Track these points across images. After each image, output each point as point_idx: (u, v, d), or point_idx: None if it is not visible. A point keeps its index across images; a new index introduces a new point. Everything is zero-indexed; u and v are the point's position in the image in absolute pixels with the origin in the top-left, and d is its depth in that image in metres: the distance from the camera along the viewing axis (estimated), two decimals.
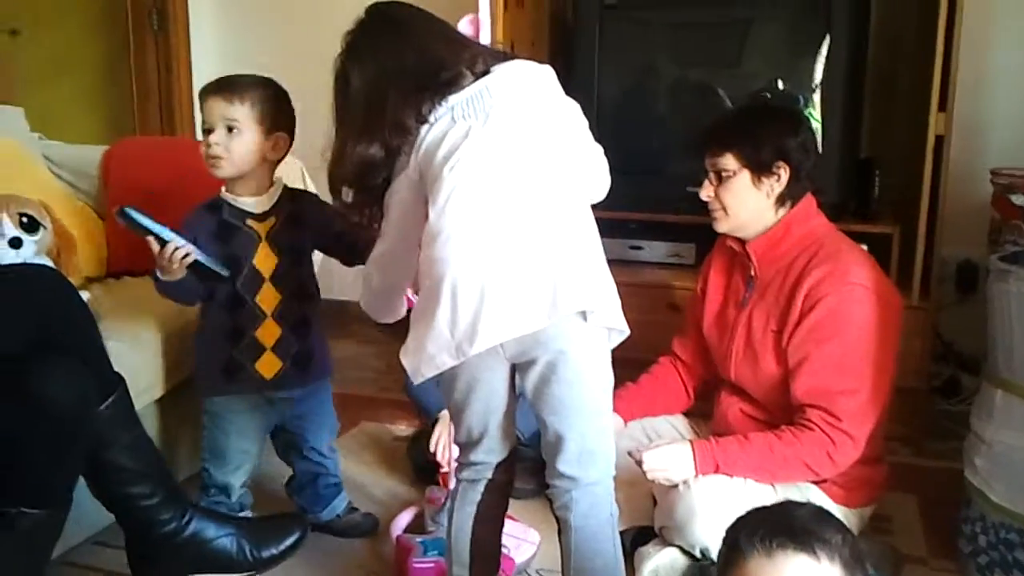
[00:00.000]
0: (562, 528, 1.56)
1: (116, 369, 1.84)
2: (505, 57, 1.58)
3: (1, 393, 1.55)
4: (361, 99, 1.53)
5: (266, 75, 2.01)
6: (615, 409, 2.07)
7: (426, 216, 1.51)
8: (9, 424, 1.56)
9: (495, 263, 1.43)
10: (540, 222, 1.47)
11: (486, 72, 1.53)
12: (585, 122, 1.61)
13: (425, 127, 1.52)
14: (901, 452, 2.59)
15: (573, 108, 1.60)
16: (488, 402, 1.57)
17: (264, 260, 1.98)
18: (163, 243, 1.85)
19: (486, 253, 1.43)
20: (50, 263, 2.11)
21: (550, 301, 1.43)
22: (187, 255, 1.85)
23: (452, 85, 1.51)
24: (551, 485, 1.57)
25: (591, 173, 1.62)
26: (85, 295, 1.90)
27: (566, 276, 1.45)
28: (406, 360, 1.51)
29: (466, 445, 1.63)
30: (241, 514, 2.12)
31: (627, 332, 1.56)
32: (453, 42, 1.58)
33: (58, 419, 1.59)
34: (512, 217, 1.46)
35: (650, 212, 2.97)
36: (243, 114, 1.92)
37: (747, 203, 1.92)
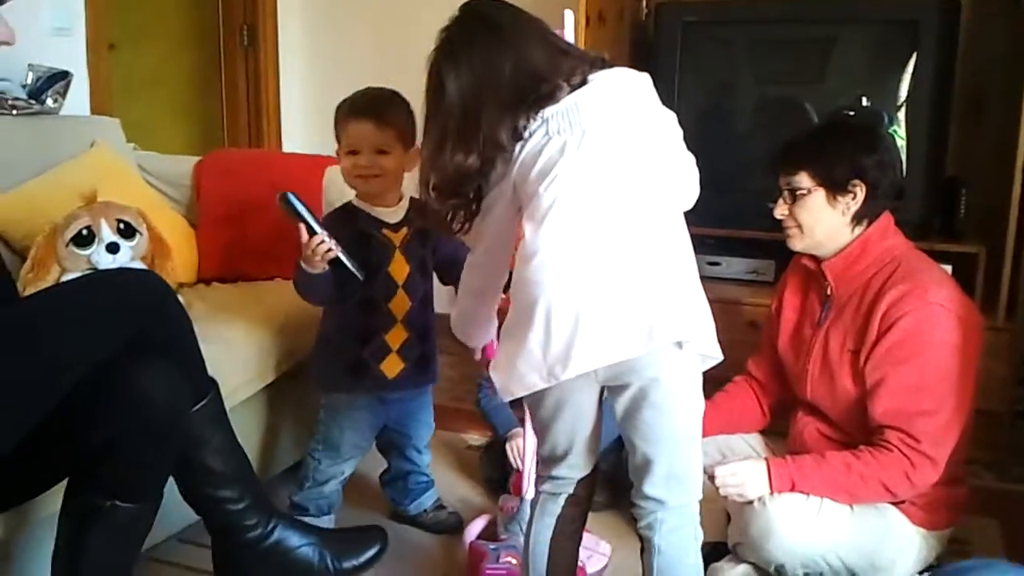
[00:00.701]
0: (645, 547, 1.56)
1: (209, 372, 1.90)
2: (603, 64, 1.53)
3: (101, 390, 1.61)
4: (456, 108, 1.48)
5: (348, 91, 2.07)
6: None
7: (519, 229, 1.50)
8: (107, 420, 1.62)
9: (591, 288, 1.41)
10: (638, 244, 1.44)
11: (584, 82, 1.49)
12: (680, 132, 1.58)
13: (520, 142, 1.49)
14: (983, 476, 2.54)
15: (670, 118, 1.56)
16: (575, 422, 1.56)
17: (398, 268, 2.07)
18: (312, 233, 1.91)
19: (582, 277, 1.41)
20: (146, 268, 2.19)
21: (647, 330, 1.41)
22: (330, 250, 1.91)
23: (549, 98, 1.47)
24: (636, 504, 1.57)
25: (684, 184, 1.59)
26: (180, 299, 1.96)
27: (664, 304, 1.42)
28: (496, 375, 1.51)
29: (550, 460, 1.62)
30: (326, 517, 2.20)
31: (720, 358, 1.54)
32: (551, 50, 1.52)
33: (153, 417, 1.64)
34: (609, 239, 1.43)
35: (729, 228, 2.96)
36: (391, 137, 2.01)
37: (822, 221, 1.91)
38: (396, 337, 2.09)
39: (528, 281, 1.44)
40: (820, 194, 1.89)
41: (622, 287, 1.41)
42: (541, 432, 1.60)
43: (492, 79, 1.47)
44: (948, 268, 2.46)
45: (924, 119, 2.77)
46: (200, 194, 2.77)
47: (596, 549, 2.05)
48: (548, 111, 1.47)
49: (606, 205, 1.44)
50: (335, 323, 2.13)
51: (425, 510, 2.30)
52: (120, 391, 1.61)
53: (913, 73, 2.76)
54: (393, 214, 2.08)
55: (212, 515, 1.92)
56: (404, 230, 2.08)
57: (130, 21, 3.83)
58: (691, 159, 1.61)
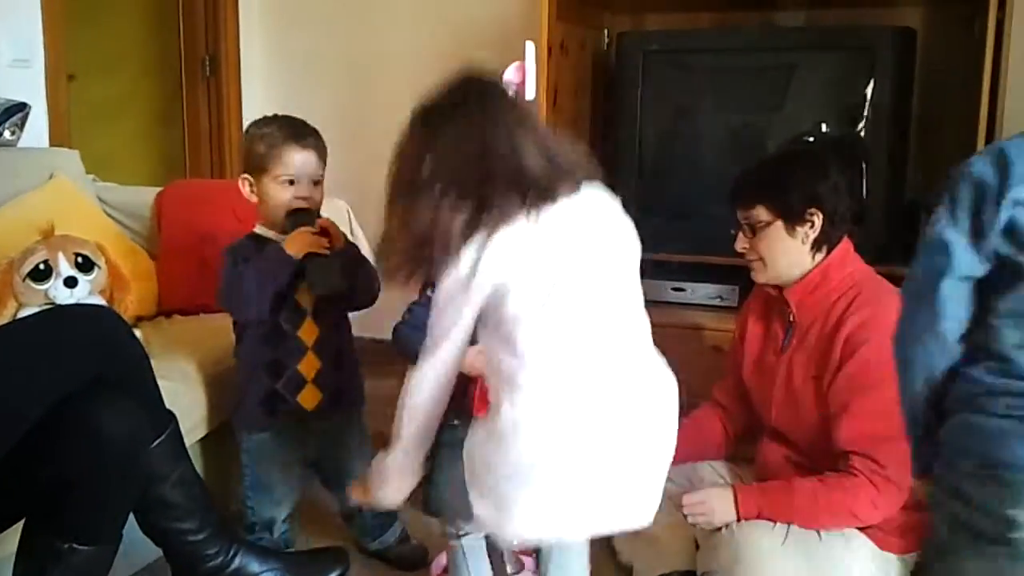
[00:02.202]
0: None
1: (167, 406, 1.88)
2: (584, 176, 1.42)
3: (58, 429, 1.58)
4: (428, 197, 1.33)
5: (315, 122, 2.07)
6: None
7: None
8: (64, 460, 1.59)
9: (574, 458, 1.32)
10: (622, 405, 1.36)
11: (571, 191, 1.37)
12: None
13: (497, 246, 1.31)
14: None
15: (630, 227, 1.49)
16: None
17: (304, 295, 2.03)
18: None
19: (566, 445, 1.31)
20: (103, 302, 2.17)
21: (629, 508, 1.39)
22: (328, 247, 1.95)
23: (532, 210, 1.32)
24: None
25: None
26: (137, 333, 1.94)
27: (648, 483, 1.39)
28: (486, 513, 1.37)
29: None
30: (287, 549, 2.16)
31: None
32: (543, 156, 1.36)
33: (112, 456, 1.62)
34: (594, 402, 1.33)
35: (693, 254, 2.97)
36: (321, 167, 2.03)
37: (783, 252, 1.91)
38: (309, 366, 2.04)
39: (524, 430, 1.30)
40: (778, 225, 1.90)
41: (607, 461, 1.34)
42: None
43: (473, 177, 1.32)
44: None
45: (883, 144, 2.80)
46: (161, 225, 2.74)
47: None
48: (531, 228, 1.32)
49: (593, 363, 1.35)
50: (248, 356, 2.07)
51: (390, 545, 2.25)
52: (78, 430, 1.58)
53: (871, 99, 2.80)
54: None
55: (172, 547, 1.90)
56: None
57: (90, 52, 3.81)
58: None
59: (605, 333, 1.38)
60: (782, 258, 1.92)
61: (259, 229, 2.06)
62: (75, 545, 1.61)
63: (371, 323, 2.25)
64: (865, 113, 2.81)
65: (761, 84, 3.03)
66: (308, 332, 2.04)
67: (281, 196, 1.99)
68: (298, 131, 2.01)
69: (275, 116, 2.06)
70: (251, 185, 2.02)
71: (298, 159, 1.98)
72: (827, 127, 2.90)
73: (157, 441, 1.81)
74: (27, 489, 1.62)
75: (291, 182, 1.98)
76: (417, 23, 3.55)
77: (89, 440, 1.59)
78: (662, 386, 1.44)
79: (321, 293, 1.99)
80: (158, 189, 2.86)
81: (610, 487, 1.35)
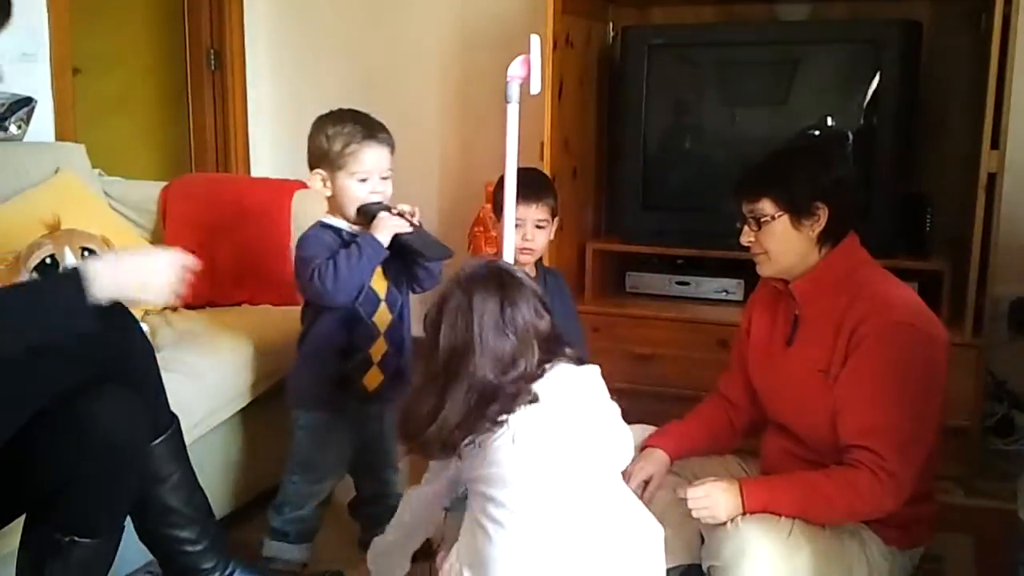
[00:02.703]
0: None
1: (171, 400, 1.88)
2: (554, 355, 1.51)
3: (59, 424, 1.58)
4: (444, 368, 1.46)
5: (315, 116, 2.09)
6: (661, 445, 2.07)
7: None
8: (65, 454, 1.59)
9: None
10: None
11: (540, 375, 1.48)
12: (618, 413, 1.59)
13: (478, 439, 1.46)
14: (954, 492, 2.55)
15: (614, 412, 1.57)
16: None
17: (378, 283, 2.10)
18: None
19: None
20: None
21: None
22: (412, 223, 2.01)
23: (513, 402, 1.44)
24: None
25: (623, 455, 1.60)
26: (144, 327, 1.95)
27: None
28: None
29: None
30: (305, 545, 2.19)
31: None
32: (527, 346, 1.47)
33: (112, 451, 1.61)
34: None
35: (697, 247, 2.97)
36: (392, 163, 2.08)
37: (790, 246, 1.91)
38: (378, 350, 2.11)
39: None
40: (784, 219, 1.90)
41: None
42: None
43: (483, 380, 1.44)
44: (914, 286, 2.48)
45: (889, 138, 2.80)
46: (167, 220, 2.75)
47: None
48: (512, 419, 1.44)
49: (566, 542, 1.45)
50: (320, 339, 2.12)
51: None
52: (78, 423, 1.58)
53: (877, 93, 2.80)
54: (364, 230, 2.08)
55: (169, 556, 1.89)
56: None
57: (95, 46, 3.81)
58: (628, 433, 1.60)
59: (586, 511, 1.47)
60: (788, 252, 1.92)
61: (328, 219, 2.10)
62: (75, 538, 1.61)
63: None
64: (871, 107, 2.81)
65: (766, 78, 3.04)
66: (382, 318, 2.11)
67: (357, 193, 2.04)
68: (373, 129, 2.05)
69: (345, 111, 2.09)
70: (324, 180, 2.06)
71: (373, 157, 2.04)
72: (833, 121, 2.90)
73: (158, 440, 1.80)
74: (28, 483, 1.62)
75: (364, 179, 2.04)
76: (423, 16, 3.55)
77: (89, 433, 1.59)
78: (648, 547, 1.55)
79: (435, 258, 2.06)
80: (164, 183, 2.86)
81: None
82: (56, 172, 2.59)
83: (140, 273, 1.56)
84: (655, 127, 3.07)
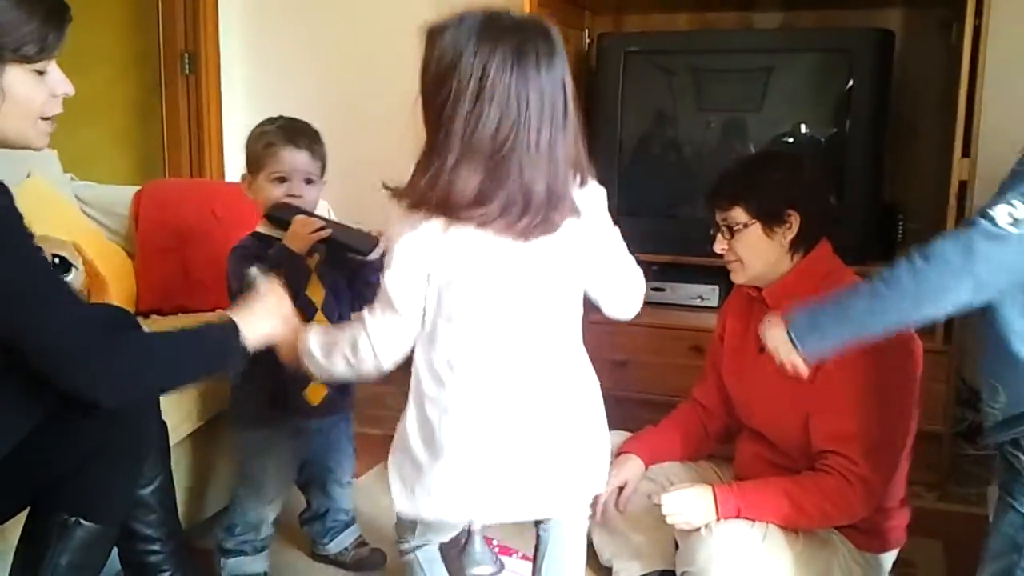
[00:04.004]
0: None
1: None
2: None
3: (72, 413, 1.59)
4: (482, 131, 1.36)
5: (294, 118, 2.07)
6: (635, 452, 2.08)
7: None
8: (79, 438, 1.63)
9: (498, 440, 1.46)
10: (550, 396, 1.49)
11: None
12: (623, 246, 1.58)
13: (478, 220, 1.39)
14: (925, 497, 2.57)
15: (615, 236, 1.56)
16: None
17: (315, 291, 2.04)
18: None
19: (490, 427, 1.45)
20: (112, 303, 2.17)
21: (547, 496, 1.51)
22: (324, 228, 1.93)
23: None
24: None
25: (624, 295, 1.60)
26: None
27: (581, 465, 1.53)
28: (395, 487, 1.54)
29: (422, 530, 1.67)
30: (262, 554, 2.15)
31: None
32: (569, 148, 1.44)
33: (132, 435, 1.68)
34: (523, 393, 1.47)
35: (672, 254, 2.98)
36: (318, 168, 2.03)
37: (762, 254, 1.92)
38: None
39: (446, 403, 1.45)
40: (756, 227, 1.90)
41: (530, 446, 1.47)
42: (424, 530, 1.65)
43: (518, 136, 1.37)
44: None
45: (861, 146, 2.82)
46: (139, 224, 2.73)
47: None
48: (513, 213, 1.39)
49: (528, 349, 1.47)
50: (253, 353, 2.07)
51: (346, 548, 2.24)
52: (99, 412, 1.59)
53: (849, 101, 2.82)
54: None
55: (131, 555, 1.91)
56: (316, 254, 2.03)
57: (68, 49, 3.76)
58: (638, 272, 1.60)
59: (529, 327, 1.47)
60: (760, 259, 1.93)
61: (262, 228, 2.05)
62: (82, 520, 1.64)
63: None
64: (843, 115, 2.83)
65: (740, 86, 3.05)
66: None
67: (273, 194, 2.00)
68: (294, 131, 2.02)
69: (278, 117, 2.07)
70: (249, 183, 2.04)
71: (289, 157, 1.99)
72: (806, 129, 2.92)
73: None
74: (42, 469, 1.64)
75: (283, 180, 1.99)
76: (398, 22, 3.53)
77: (107, 419, 1.61)
78: (583, 384, 1.54)
79: (367, 251, 1.99)
80: (136, 188, 2.84)
81: (520, 473, 1.47)
82: (27, 177, 2.56)
83: (271, 321, 1.65)
84: (630, 134, 3.08)
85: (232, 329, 1.58)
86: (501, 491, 1.47)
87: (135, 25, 4.08)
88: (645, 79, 3.07)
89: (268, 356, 1.98)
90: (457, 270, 1.42)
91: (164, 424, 1.91)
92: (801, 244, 1.92)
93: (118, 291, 2.51)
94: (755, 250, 1.92)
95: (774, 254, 1.92)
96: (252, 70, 3.90)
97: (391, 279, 1.44)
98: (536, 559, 1.71)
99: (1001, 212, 1.32)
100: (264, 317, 1.64)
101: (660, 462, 2.12)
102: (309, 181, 2.02)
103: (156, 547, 1.90)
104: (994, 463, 1.53)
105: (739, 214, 1.91)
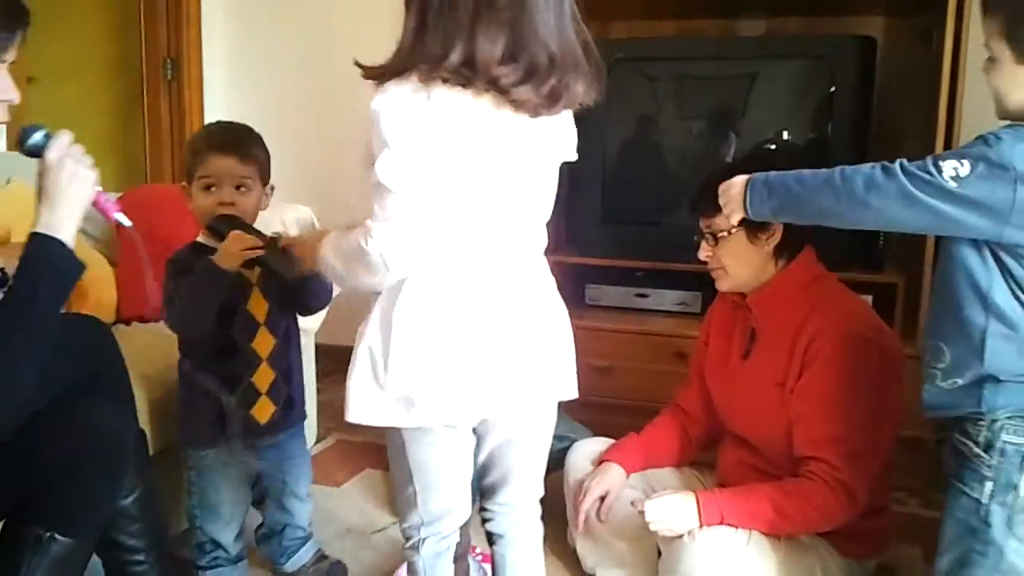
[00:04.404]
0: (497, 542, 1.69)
1: None
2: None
3: (57, 421, 1.60)
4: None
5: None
6: (618, 460, 2.08)
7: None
8: (58, 452, 1.61)
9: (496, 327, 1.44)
10: (524, 297, 1.49)
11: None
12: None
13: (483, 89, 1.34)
14: (908, 503, 2.58)
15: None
16: (461, 464, 1.58)
17: (257, 306, 1.98)
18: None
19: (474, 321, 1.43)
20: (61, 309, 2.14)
21: (522, 390, 1.49)
22: (255, 248, 1.83)
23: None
24: (487, 509, 1.68)
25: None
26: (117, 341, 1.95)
27: (552, 360, 1.52)
28: (356, 394, 1.46)
29: (433, 515, 1.59)
30: (242, 562, 2.12)
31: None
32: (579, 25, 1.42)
33: (109, 447, 1.65)
34: (501, 291, 1.46)
35: (656, 260, 2.99)
36: (252, 172, 1.95)
37: (746, 261, 1.93)
38: (263, 379, 1.99)
39: (418, 291, 1.41)
40: (740, 234, 1.91)
41: (518, 334, 1.47)
42: (423, 485, 1.56)
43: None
44: (868, 299, 2.51)
45: (843, 152, 2.83)
46: (120, 231, 2.70)
47: None
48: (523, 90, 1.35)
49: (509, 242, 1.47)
50: (192, 371, 1.99)
51: (304, 565, 2.18)
52: (72, 423, 1.60)
53: (832, 107, 2.83)
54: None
55: (116, 563, 1.89)
56: (258, 267, 1.95)
57: (50, 54, 3.76)
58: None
59: (500, 232, 1.44)
60: (744, 266, 1.93)
61: (201, 238, 1.99)
62: (56, 535, 1.62)
63: (333, 330, 2.23)
64: (826, 121, 2.85)
65: (724, 92, 3.07)
66: (262, 343, 1.98)
67: (203, 201, 1.93)
68: (222, 135, 1.96)
69: (216, 122, 2.04)
70: (187, 192, 1.98)
71: (215, 162, 1.92)
72: (789, 135, 2.93)
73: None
74: (20, 481, 1.62)
75: (211, 186, 1.93)
76: (379, 27, 3.52)
77: (84, 432, 1.61)
78: (551, 290, 1.55)
79: (287, 274, 1.86)
80: (118, 194, 2.82)
81: (488, 375, 1.44)
82: (8, 183, 2.54)
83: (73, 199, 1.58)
84: (615, 140, 3.08)
85: (40, 243, 1.49)
86: (483, 384, 1.45)
87: (117, 31, 4.06)
88: (630, 86, 3.07)
89: (215, 375, 1.96)
90: (453, 139, 1.35)
91: (143, 433, 1.90)
92: (785, 251, 1.92)
93: (99, 299, 2.49)
94: (739, 257, 1.92)
95: (758, 261, 1.92)
96: (234, 76, 3.89)
97: (386, 159, 1.33)
98: None
99: (948, 166, 1.40)
100: (62, 201, 1.54)
101: (642, 470, 2.12)
102: (240, 187, 1.94)
103: (140, 557, 1.88)
104: (944, 454, 1.56)
105: (722, 221, 1.91)
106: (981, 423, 1.46)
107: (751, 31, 3.15)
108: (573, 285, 3.09)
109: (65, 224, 1.52)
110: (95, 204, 1.62)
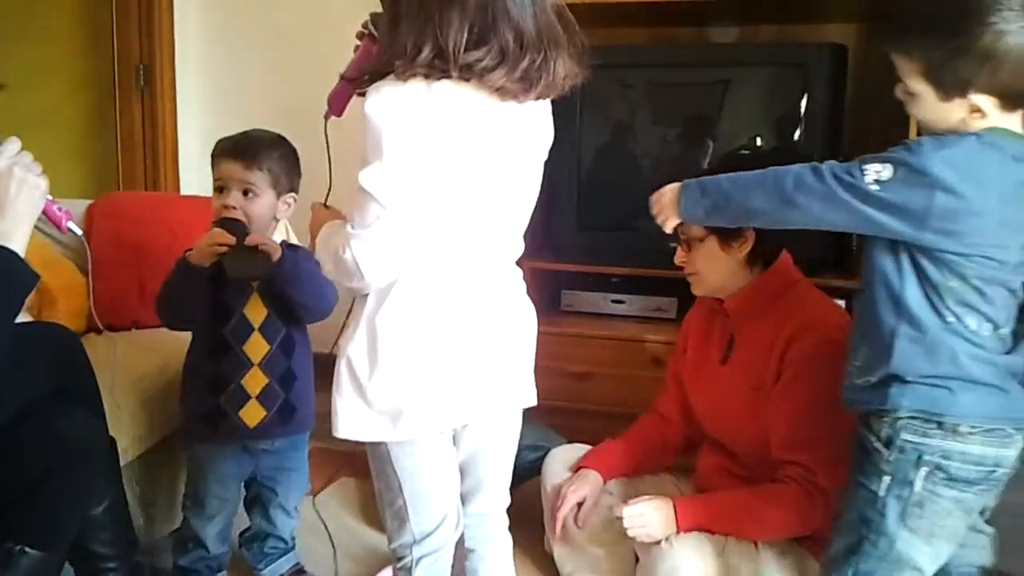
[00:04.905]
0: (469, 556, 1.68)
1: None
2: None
3: (21, 437, 1.59)
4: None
5: (260, 129, 2.05)
6: (595, 466, 2.08)
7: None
8: (27, 464, 1.60)
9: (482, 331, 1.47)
10: (503, 303, 1.53)
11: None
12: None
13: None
14: None
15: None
16: (446, 469, 1.58)
17: (254, 311, 2.00)
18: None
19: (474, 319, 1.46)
20: (30, 319, 2.12)
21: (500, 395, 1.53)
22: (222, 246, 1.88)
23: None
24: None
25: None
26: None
27: (513, 372, 1.56)
28: (344, 410, 1.46)
29: (426, 531, 1.55)
30: (219, 574, 2.12)
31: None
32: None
33: (81, 460, 1.65)
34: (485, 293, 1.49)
35: (631, 266, 2.99)
36: (260, 178, 1.96)
37: (719, 268, 1.94)
38: (254, 382, 2.00)
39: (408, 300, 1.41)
40: (712, 241, 1.92)
41: (497, 340, 1.50)
42: (413, 494, 1.53)
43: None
44: (842, 303, 2.52)
45: (816, 158, 2.81)
46: (92, 238, 2.68)
47: None
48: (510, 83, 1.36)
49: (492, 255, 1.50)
50: (187, 367, 2.06)
51: (281, 575, 2.20)
52: (42, 434, 1.59)
53: (805, 114, 2.85)
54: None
55: (87, 572, 1.89)
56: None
57: (21, 61, 3.72)
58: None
59: (481, 239, 1.46)
60: (717, 272, 1.94)
61: None
62: (26, 548, 1.61)
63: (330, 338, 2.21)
64: (799, 127, 2.86)
65: (698, 99, 3.08)
66: (254, 347, 2.00)
67: (214, 202, 1.99)
68: (236, 142, 1.99)
69: (250, 129, 2.05)
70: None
71: (222, 166, 1.97)
72: (762, 141, 2.94)
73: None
74: None
75: (221, 189, 1.97)
76: (355, 35, 3.53)
77: (53, 443, 1.60)
78: (522, 297, 1.59)
79: (238, 278, 1.94)
80: (90, 201, 2.80)
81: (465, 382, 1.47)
82: None
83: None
84: (590, 146, 3.08)
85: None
86: (466, 388, 1.47)
87: (89, 38, 4.02)
88: (604, 92, 3.08)
89: (203, 370, 2.00)
90: (450, 133, 1.34)
91: (113, 441, 1.89)
92: (759, 258, 1.93)
93: (70, 307, 2.47)
94: (712, 263, 1.93)
95: (731, 268, 1.93)
96: (208, 83, 3.87)
97: (376, 170, 1.32)
98: None
99: (872, 169, 1.44)
100: (11, 209, 1.49)
101: (620, 476, 2.12)
102: (248, 192, 1.96)
103: (112, 565, 1.88)
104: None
105: (695, 228, 1.92)
106: (884, 420, 1.50)
107: (724, 38, 3.16)
108: (549, 291, 3.09)
109: (15, 233, 1.48)
110: (45, 213, 1.57)
